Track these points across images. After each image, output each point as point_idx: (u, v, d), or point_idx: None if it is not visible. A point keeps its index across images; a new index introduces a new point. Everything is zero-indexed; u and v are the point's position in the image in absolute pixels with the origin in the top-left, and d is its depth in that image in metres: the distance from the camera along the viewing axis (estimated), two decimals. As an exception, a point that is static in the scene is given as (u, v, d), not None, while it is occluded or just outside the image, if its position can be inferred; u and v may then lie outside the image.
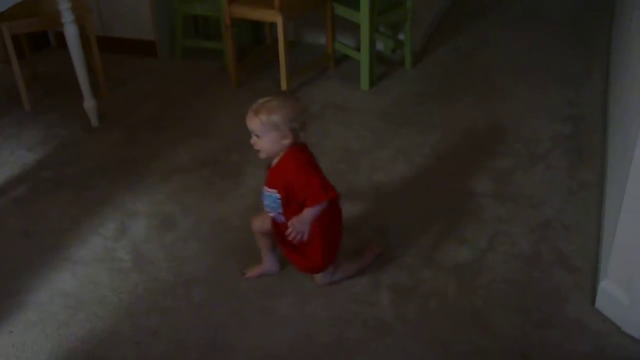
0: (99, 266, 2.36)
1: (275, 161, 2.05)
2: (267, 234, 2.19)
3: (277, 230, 2.12)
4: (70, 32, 3.01)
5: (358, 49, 3.56)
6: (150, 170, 2.92)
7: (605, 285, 2.07)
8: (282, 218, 2.07)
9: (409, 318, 2.11)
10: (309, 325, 2.09)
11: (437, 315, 2.12)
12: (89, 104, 3.22)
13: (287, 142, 1.98)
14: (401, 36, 3.83)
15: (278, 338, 2.05)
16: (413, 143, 3.05)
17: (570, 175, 2.79)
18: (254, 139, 2.01)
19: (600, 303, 2.10)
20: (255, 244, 2.29)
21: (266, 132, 1.96)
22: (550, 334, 2.04)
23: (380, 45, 3.89)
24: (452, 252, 2.39)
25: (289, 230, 2.00)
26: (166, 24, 3.97)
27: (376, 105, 3.41)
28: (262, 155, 2.03)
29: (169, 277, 2.31)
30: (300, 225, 1.98)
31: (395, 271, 2.30)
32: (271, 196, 2.05)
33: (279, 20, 3.29)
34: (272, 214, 2.10)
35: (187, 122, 3.30)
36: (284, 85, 3.46)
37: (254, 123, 1.98)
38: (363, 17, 3.38)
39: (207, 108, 3.42)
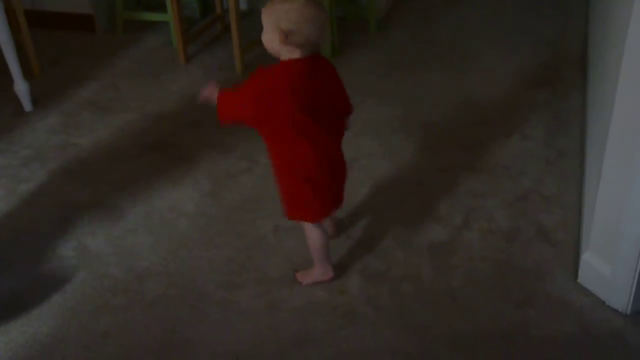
0: (38, 264, 2.33)
1: None
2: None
3: None
4: (-6, 7, 2.95)
5: (317, 16, 3.54)
6: (92, 157, 2.88)
7: (587, 258, 2.13)
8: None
9: (382, 304, 2.14)
10: (273, 318, 2.10)
11: (412, 299, 2.15)
12: (20, 86, 3.15)
13: (275, 43, 1.88)
14: (364, 1, 3.84)
15: (240, 332, 2.06)
16: (379, 115, 3.06)
17: (548, 144, 2.84)
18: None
19: (583, 277, 2.15)
20: (209, 229, 2.28)
21: (265, 26, 1.90)
22: (532, 313, 2.08)
23: (341, 11, 3.89)
24: (425, 230, 2.42)
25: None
26: (104, -5, 3.91)
27: (339, 74, 3.40)
28: (269, 52, 1.95)
29: (119, 272, 2.29)
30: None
31: (365, 254, 2.32)
32: None
33: (228, -14, 3.27)
34: None
35: (131, 103, 3.26)
36: (237, 59, 3.44)
37: (261, 15, 1.91)
38: (320, -20, 3.36)
39: (153, 87, 3.38)
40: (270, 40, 1.90)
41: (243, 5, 4.03)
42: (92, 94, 3.34)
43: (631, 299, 2.03)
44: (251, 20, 3.92)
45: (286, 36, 1.85)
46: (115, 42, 3.82)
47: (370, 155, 2.81)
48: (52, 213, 2.57)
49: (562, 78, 3.30)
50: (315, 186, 2.03)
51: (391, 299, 2.15)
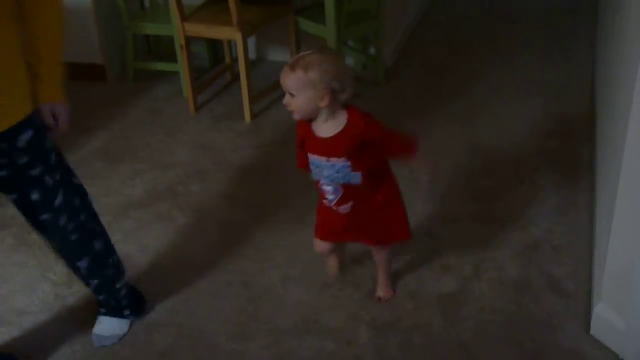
0: (47, 319, 2.33)
1: (323, 126, 1.97)
2: (336, 248, 2.31)
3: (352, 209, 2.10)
4: (10, 59, 3.01)
5: (325, 66, 3.60)
6: (102, 206, 2.90)
7: (600, 310, 2.12)
8: (356, 178, 2.01)
9: (391, 354, 2.13)
10: (283, 369, 2.10)
11: (422, 351, 2.15)
12: (33, 136, 3.20)
13: (323, 103, 1.89)
14: (372, 50, 3.90)
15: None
16: (389, 165, 3.08)
17: (557, 194, 2.85)
18: (287, 98, 1.91)
19: (596, 329, 2.14)
20: (219, 279, 2.28)
21: (302, 90, 1.87)
22: (544, 366, 2.07)
23: (349, 61, 3.95)
24: (435, 281, 2.42)
25: (419, 162, 2.20)
26: (115, 45, 3.99)
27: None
28: (296, 117, 1.94)
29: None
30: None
31: (375, 304, 2.32)
32: (334, 166, 1.98)
33: (237, 37, 3.34)
34: (330, 187, 2.04)
35: (142, 152, 3.30)
36: (246, 109, 3.49)
37: (289, 79, 1.88)
38: (329, 30, 3.43)
39: (164, 136, 3.43)
40: (306, 100, 1.88)
41: (252, 55, 4.11)
42: (103, 143, 3.39)
43: (645, 352, 2.01)
44: (260, 69, 3.99)
45: (336, 94, 1.89)
46: (126, 91, 3.89)
47: (380, 204, 2.82)
48: (63, 264, 2.58)
49: (571, 127, 3.32)
50: None
51: (401, 351, 2.15)
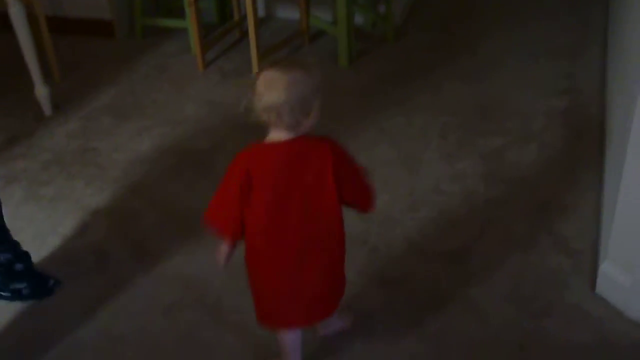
0: (58, 268, 2.36)
1: None
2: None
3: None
4: (16, 13, 2.99)
5: (335, 24, 3.57)
6: (111, 162, 2.92)
7: (606, 268, 2.13)
8: None
9: (398, 310, 2.15)
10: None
11: (428, 306, 2.16)
12: (41, 91, 3.20)
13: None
14: (382, 8, 3.86)
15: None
16: (397, 124, 3.08)
17: (566, 153, 2.84)
18: None
19: (601, 287, 2.15)
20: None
21: (304, 104, 1.63)
22: (549, 323, 2.08)
23: (359, 19, 3.91)
24: (443, 239, 2.43)
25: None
26: (124, 1, 3.95)
27: (356, 83, 3.43)
28: None
29: (143, 277, 2.32)
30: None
31: (382, 260, 2.33)
32: None
33: (247, -7, 3.30)
34: None
35: (150, 109, 3.30)
36: (255, 66, 3.47)
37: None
38: (339, -12, 3.39)
39: (172, 93, 3.42)
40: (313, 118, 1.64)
41: (261, 12, 4.07)
42: (112, 99, 3.39)
43: (651, 309, 2.03)
44: (268, 27, 3.95)
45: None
46: (134, 47, 3.87)
47: (387, 163, 2.82)
48: (72, 217, 2.60)
49: (581, 87, 3.30)
50: None
51: (407, 304, 2.17)
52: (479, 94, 3.29)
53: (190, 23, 3.61)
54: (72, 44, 3.85)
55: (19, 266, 2.20)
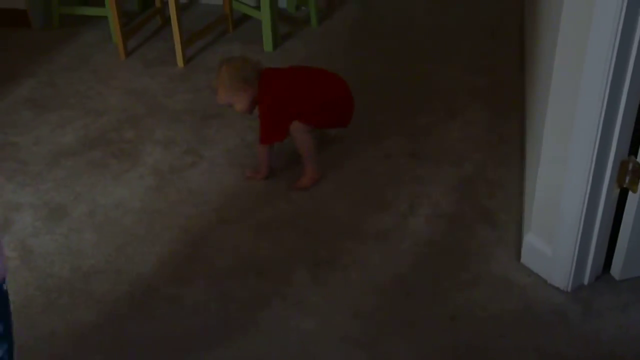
0: None
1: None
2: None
3: None
4: None
5: (258, 8, 3.55)
6: (32, 156, 2.84)
7: (529, 239, 2.20)
8: None
9: (330, 292, 2.17)
10: (223, 310, 2.12)
11: (360, 286, 2.20)
12: (-46, 85, 3.08)
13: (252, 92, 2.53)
14: (304, -9, 3.86)
15: (188, 328, 2.07)
16: (324, 106, 3.09)
17: (489, 130, 2.91)
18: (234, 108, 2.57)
19: (526, 257, 2.23)
20: (155, 225, 2.27)
21: (231, 99, 2.55)
22: (477, 294, 2.15)
23: (282, 3, 3.90)
24: (372, 218, 2.46)
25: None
26: (38, -11, 3.84)
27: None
28: (249, 115, 2.63)
29: (64, 272, 2.27)
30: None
31: (313, 243, 2.35)
32: None
33: (167, -21, 3.25)
34: None
35: (72, 100, 3.21)
36: (178, 53, 3.42)
37: (220, 99, 2.58)
38: (261, -29, 3.37)
39: (94, 83, 3.34)
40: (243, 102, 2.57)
41: (183, -2, 4.01)
42: (30, 91, 3.28)
43: (571, 276, 2.11)
44: (192, 12, 3.90)
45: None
46: (51, 37, 3.76)
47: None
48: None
49: (502, 64, 3.38)
50: None
51: (339, 287, 2.19)
52: (403, 73, 3.33)
53: (110, 11, 3.53)
54: None
55: None
